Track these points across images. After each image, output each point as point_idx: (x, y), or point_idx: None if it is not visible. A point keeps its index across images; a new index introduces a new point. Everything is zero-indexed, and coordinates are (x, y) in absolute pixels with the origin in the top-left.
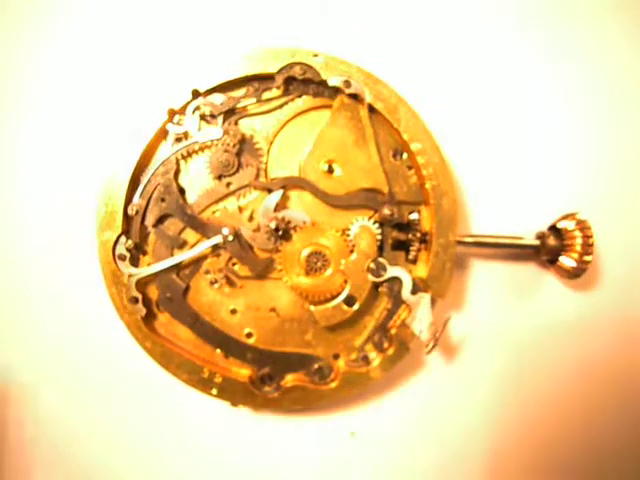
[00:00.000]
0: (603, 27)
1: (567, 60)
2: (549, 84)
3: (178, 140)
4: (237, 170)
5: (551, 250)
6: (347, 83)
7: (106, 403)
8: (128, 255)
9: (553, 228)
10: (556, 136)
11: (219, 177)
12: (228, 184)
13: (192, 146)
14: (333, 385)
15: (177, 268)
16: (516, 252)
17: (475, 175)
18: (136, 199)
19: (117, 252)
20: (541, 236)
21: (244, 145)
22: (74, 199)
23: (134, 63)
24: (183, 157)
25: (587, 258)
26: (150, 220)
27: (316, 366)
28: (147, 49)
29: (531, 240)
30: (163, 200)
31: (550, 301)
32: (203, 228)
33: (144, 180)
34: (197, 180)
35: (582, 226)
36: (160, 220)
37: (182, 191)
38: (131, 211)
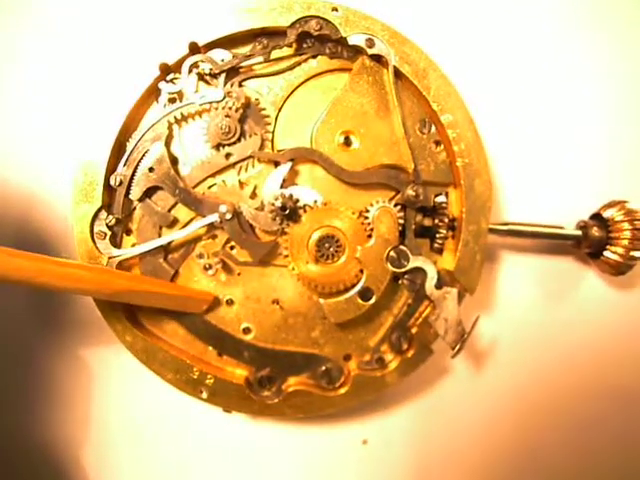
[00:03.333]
0: None
1: (620, 38)
2: (598, 59)
3: (172, 101)
4: (239, 139)
5: (594, 242)
6: (370, 42)
7: (78, 401)
8: (109, 233)
9: (597, 217)
10: (604, 114)
11: (217, 146)
12: (228, 155)
13: (188, 108)
14: (342, 391)
15: (165, 251)
16: (554, 243)
17: (511, 154)
18: (120, 168)
19: (95, 229)
20: (583, 226)
21: (248, 110)
22: (48, 165)
23: (122, 8)
24: (177, 121)
25: (635, 254)
26: (136, 193)
27: (323, 368)
28: None
29: (572, 230)
30: (152, 170)
31: (590, 300)
32: (197, 204)
33: (130, 146)
34: (192, 149)
35: (632, 217)
36: (147, 193)
37: (174, 161)
38: (114, 181)
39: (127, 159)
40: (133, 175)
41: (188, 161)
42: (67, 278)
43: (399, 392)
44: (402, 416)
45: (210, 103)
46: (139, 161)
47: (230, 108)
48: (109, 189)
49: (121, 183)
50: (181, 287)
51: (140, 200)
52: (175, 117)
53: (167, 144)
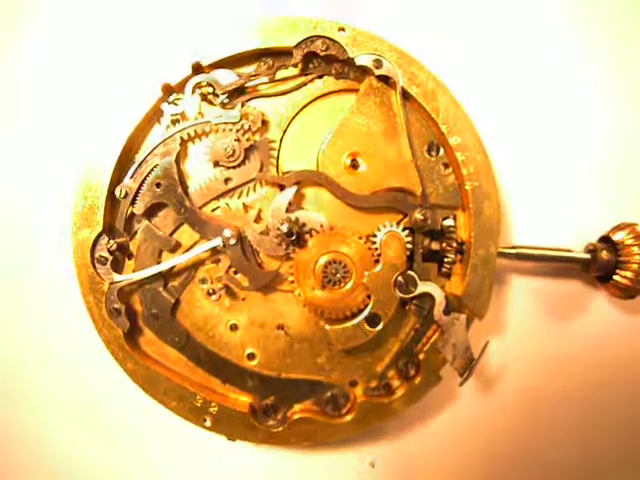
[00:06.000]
0: None
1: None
2: (610, 79)
3: (174, 122)
4: (239, 165)
5: (603, 266)
6: (378, 63)
7: (78, 432)
8: (110, 258)
9: (606, 240)
10: (615, 135)
11: (216, 164)
12: (227, 180)
13: (202, 127)
14: (349, 418)
15: (164, 279)
16: (561, 267)
17: (520, 176)
18: (127, 180)
19: (96, 254)
20: (592, 249)
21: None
22: (47, 189)
23: (125, 29)
24: (190, 138)
25: None
26: (140, 207)
27: (329, 394)
28: (141, 13)
29: (580, 254)
30: (159, 186)
31: (599, 324)
32: (202, 225)
33: (139, 158)
34: (198, 169)
35: None
36: (151, 210)
37: (183, 179)
38: (119, 193)
39: (135, 171)
40: (139, 189)
41: (195, 181)
42: None
43: (407, 415)
44: (410, 439)
45: (225, 123)
46: (147, 175)
47: (247, 130)
48: (110, 213)
49: (126, 195)
50: None
51: (144, 215)
52: (188, 134)
53: (177, 161)
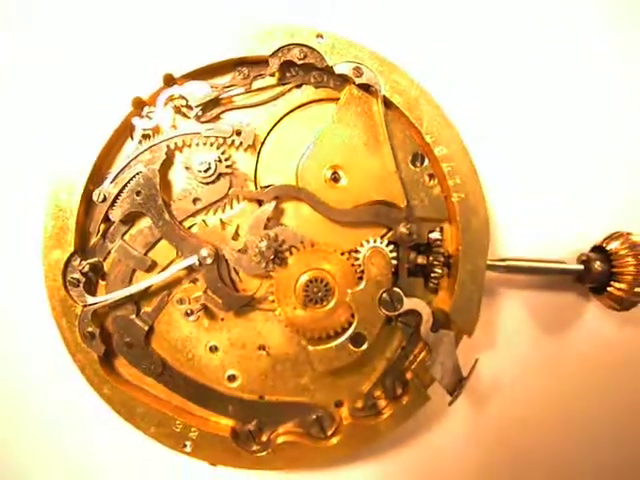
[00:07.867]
0: None
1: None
2: (600, 86)
3: (146, 137)
4: (207, 184)
5: (597, 277)
6: (358, 71)
7: (53, 459)
8: (83, 280)
9: (599, 249)
10: (606, 140)
11: (187, 169)
12: (195, 200)
13: (191, 137)
14: (334, 440)
15: (138, 304)
16: (553, 279)
17: (508, 185)
18: (107, 184)
19: (68, 276)
20: (585, 260)
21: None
22: (15, 209)
23: (93, 41)
24: (177, 148)
25: None
26: (117, 214)
27: (314, 416)
28: (109, 24)
29: (573, 265)
30: (139, 194)
31: (594, 337)
32: (179, 242)
33: (122, 163)
34: (182, 182)
35: (637, 251)
36: (128, 219)
37: (166, 190)
38: (97, 197)
39: (116, 176)
40: (118, 195)
41: (178, 194)
42: None
43: (396, 435)
44: (399, 461)
45: (216, 137)
46: (128, 181)
47: (237, 147)
48: (82, 229)
49: (105, 199)
50: None
51: (122, 221)
52: (176, 143)
53: (161, 170)
